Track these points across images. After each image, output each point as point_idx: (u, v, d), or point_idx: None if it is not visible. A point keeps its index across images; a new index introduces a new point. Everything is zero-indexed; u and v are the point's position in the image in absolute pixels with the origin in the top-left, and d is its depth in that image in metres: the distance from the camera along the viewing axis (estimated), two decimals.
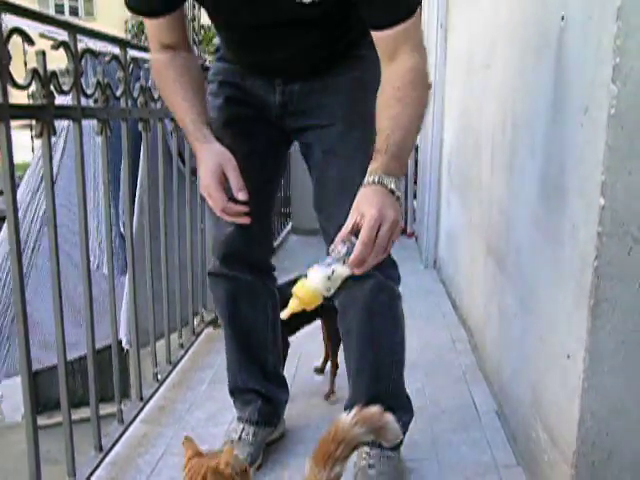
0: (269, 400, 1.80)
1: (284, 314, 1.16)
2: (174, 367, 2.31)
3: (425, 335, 2.74)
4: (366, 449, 1.64)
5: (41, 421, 1.50)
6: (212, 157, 1.39)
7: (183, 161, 2.53)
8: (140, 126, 2.00)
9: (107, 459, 1.74)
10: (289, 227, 5.26)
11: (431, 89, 1.38)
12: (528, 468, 1.69)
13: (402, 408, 1.67)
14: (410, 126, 1.26)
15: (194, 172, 2.62)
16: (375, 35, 1.30)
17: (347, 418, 0.99)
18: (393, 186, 1.19)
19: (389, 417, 1.02)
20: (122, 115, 1.82)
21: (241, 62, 1.57)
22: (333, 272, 1.13)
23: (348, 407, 1.71)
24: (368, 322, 1.58)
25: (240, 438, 1.77)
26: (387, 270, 1.58)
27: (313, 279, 1.14)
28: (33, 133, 1.28)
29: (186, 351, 2.46)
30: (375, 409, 1.01)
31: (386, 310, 1.60)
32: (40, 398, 2.89)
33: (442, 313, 3.10)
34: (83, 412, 2.15)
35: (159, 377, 2.16)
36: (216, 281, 1.73)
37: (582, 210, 1.36)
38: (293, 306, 1.15)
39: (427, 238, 3.93)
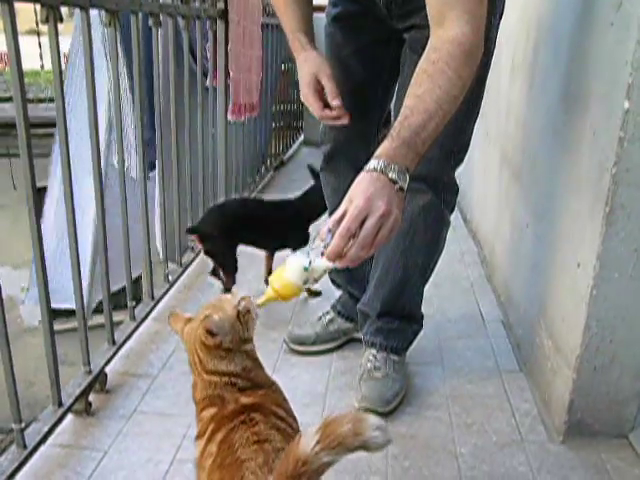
0: (352, 296, 1.85)
1: (259, 300, 1.09)
2: (185, 269, 2.34)
3: None
4: (372, 351, 1.67)
5: (58, 326, 1.55)
6: (307, 67, 1.44)
7: (195, 61, 2.46)
8: (150, 21, 1.93)
9: (120, 352, 1.79)
10: (301, 139, 5.21)
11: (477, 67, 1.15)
12: (530, 374, 1.73)
13: (414, 319, 1.70)
14: (436, 110, 1.08)
15: (205, 74, 2.56)
16: None
17: (306, 444, 0.70)
18: (394, 176, 1.04)
19: (370, 424, 0.72)
20: (132, 7, 1.74)
21: None
22: (310, 263, 1.05)
23: (360, 309, 1.73)
24: (407, 236, 1.56)
25: (319, 318, 1.89)
26: (446, 194, 1.57)
27: (289, 271, 1.07)
28: (39, 18, 1.23)
29: (197, 254, 2.48)
30: (348, 419, 0.71)
31: (430, 232, 1.59)
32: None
33: (452, 227, 3.07)
34: (97, 319, 2.21)
35: (170, 278, 2.19)
36: (324, 177, 1.78)
37: (604, 115, 1.32)
38: (269, 296, 1.11)
39: None
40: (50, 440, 1.44)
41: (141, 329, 1.95)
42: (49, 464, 1.40)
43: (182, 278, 2.34)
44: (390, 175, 1.04)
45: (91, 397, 1.60)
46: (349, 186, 1.78)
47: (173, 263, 2.32)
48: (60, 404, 1.47)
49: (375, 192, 1.02)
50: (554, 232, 1.62)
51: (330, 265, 1.04)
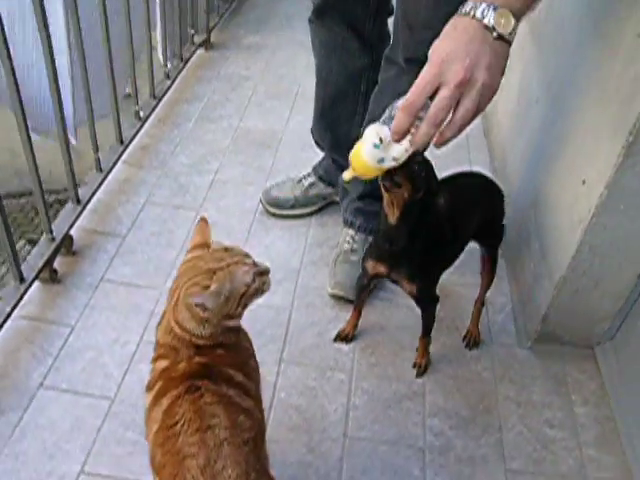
0: (335, 161, 1.72)
1: (346, 176, 0.95)
2: (159, 101, 2.13)
3: None
4: (351, 232, 1.60)
5: None
6: None
7: None
8: None
9: (87, 209, 1.69)
10: None
11: None
12: (511, 263, 1.68)
13: None
14: None
15: None
16: None
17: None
18: (492, 19, 0.77)
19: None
20: None
21: None
22: (381, 141, 0.87)
23: (341, 184, 1.62)
24: None
25: (300, 181, 1.78)
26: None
27: (363, 147, 0.90)
28: None
29: (172, 81, 2.25)
30: None
31: None
32: None
33: None
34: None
35: (141, 114, 2.00)
36: (312, 28, 1.54)
37: None
38: (352, 173, 0.95)
39: None
40: (16, 312, 1.41)
41: (110, 177, 1.82)
42: (16, 340, 1.39)
43: (156, 111, 2.13)
44: (485, 19, 0.78)
45: (57, 262, 1.54)
46: (343, 44, 1.49)
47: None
48: (22, 280, 1.41)
49: (456, 50, 0.77)
50: (566, 128, 1.44)
51: (402, 146, 0.86)
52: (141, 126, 1.99)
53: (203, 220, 1.00)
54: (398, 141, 0.84)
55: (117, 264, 1.60)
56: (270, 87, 2.38)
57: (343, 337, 1.47)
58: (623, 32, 1.18)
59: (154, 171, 1.92)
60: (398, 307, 1.56)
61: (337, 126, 1.62)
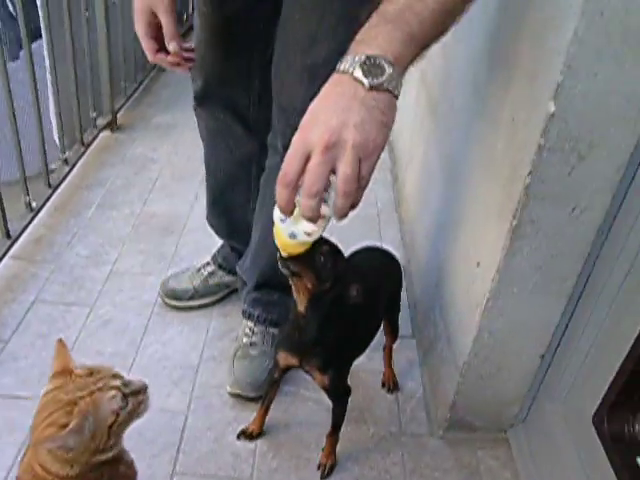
0: (234, 249, 1.65)
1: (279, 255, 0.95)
2: (54, 190, 2.02)
3: None
4: (249, 324, 1.51)
5: None
6: None
7: None
8: None
9: None
10: None
11: None
12: (421, 345, 1.63)
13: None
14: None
15: None
16: None
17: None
18: (360, 72, 0.69)
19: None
20: None
21: None
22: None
23: (238, 272, 1.55)
24: None
25: (199, 270, 1.69)
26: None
27: (275, 225, 0.85)
28: None
29: (72, 167, 2.15)
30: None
31: None
32: None
33: None
34: None
35: (33, 205, 1.89)
36: (197, 115, 1.47)
37: (526, 106, 1.07)
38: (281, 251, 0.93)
39: None
40: None
41: None
42: None
43: (52, 198, 2.03)
44: (354, 72, 0.69)
45: None
46: (228, 131, 1.44)
47: (42, 182, 1.99)
48: None
49: (324, 110, 0.69)
50: (461, 206, 1.42)
51: (305, 222, 0.78)
52: (33, 217, 1.87)
53: (60, 343, 0.90)
54: (287, 215, 0.75)
55: None
56: (177, 169, 2.31)
57: (248, 435, 1.36)
58: (501, 115, 1.18)
59: (47, 265, 1.79)
60: (304, 401, 1.47)
61: (231, 213, 1.56)
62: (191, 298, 1.67)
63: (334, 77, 0.72)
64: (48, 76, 2.05)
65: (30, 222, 1.86)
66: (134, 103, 2.75)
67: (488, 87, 1.29)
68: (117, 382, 0.86)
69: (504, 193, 1.14)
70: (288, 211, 0.73)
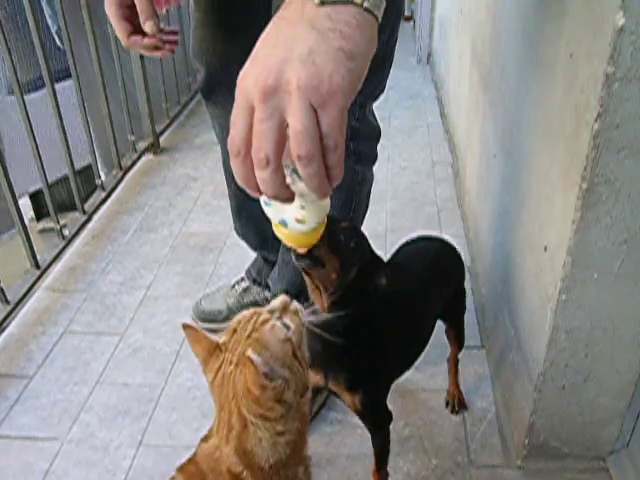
0: (267, 260, 1.49)
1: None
2: (89, 217, 1.92)
3: (402, 154, 2.32)
4: None
5: None
6: None
7: None
8: None
9: None
10: None
11: None
12: (491, 354, 1.37)
13: None
14: None
15: None
16: None
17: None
18: None
19: None
20: None
21: None
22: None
23: (269, 283, 1.38)
24: None
25: (233, 287, 1.54)
26: (359, 143, 1.12)
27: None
28: None
29: (109, 193, 2.06)
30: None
31: (340, 197, 1.16)
32: None
33: (427, 124, 2.60)
34: None
35: (65, 234, 1.79)
36: (207, 107, 1.30)
37: (586, 36, 0.83)
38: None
39: (422, 25, 3.25)
40: None
41: (27, 307, 1.60)
42: None
43: (89, 226, 1.93)
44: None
45: None
46: None
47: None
48: None
49: (262, 44, 0.50)
50: (522, 181, 1.18)
51: (294, 204, 0.58)
52: (65, 246, 1.78)
53: (188, 328, 0.72)
54: (253, 191, 0.53)
55: (16, 413, 1.33)
56: (218, 186, 2.17)
57: None
58: (557, 55, 0.94)
59: (79, 295, 1.68)
60: (351, 430, 1.24)
61: (258, 220, 1.38)
62: (225, 319, 1.49)
63: (288, 8, 0.50)
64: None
65: (62, 251, 1.76)
66: (178, 126, 2.67)
67: (540, 31, 1.05)
68: (264, 315, 0.70)
69: (568, 152, 0.89)
70: (251, 188, 0.53)
